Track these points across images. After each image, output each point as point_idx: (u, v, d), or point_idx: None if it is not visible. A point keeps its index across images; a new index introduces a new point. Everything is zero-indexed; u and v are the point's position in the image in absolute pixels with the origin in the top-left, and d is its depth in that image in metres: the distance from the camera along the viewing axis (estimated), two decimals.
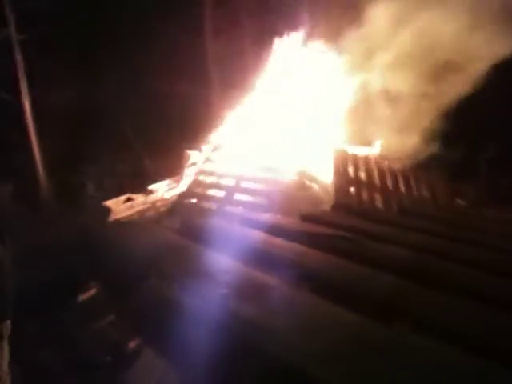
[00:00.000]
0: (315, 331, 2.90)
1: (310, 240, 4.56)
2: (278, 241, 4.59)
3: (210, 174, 6.23)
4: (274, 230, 4.89)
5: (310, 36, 7.67)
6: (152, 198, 6.19)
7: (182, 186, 6.23)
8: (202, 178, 6.14)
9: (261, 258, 4.14)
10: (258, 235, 4.75)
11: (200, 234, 4.76)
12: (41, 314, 5.03)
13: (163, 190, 6.33)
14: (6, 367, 3.11)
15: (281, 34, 7.77)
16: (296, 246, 4.45)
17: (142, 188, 6.63)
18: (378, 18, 6.96)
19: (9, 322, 3.40)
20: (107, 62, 10.40)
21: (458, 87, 6.50)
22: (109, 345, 4.37)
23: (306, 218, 5.41)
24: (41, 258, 4.79)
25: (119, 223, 5.29)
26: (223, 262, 3.98)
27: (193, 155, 6.52)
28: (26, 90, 8.29)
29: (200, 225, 5.16)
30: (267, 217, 5.43)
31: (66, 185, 9.47)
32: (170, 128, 10.07)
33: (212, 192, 6.04)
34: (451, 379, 2.51)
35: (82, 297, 5.15)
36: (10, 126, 9.33)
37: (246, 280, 3.69)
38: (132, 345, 4.27)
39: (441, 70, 6.68)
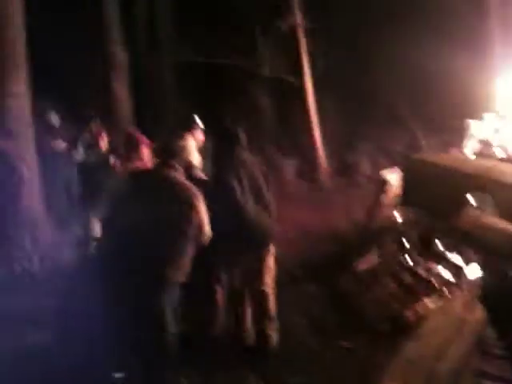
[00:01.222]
0: None
1: None
2: None
3: (498, 146, 5.67)
4: None
5: None
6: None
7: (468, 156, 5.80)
8: (486, 150, 5.66)
9: None
10: None
11: None
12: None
13: None
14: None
15: None
16: None
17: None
18: None
19: None
20: (377, 40, 10.45)
21: None
22: (388, 313, 4.49)
23: None
24: None
25: None
26: None
27: (473, 126, 6.05)
28: (309, 74, 8.93)
29: None
30: None
31: (342, 162, 9.93)
32: (442, 104, 9.64)
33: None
34: None
35: (363, 264, 5.38)
36: (296, 108, 10.22)
37: None
38: (411, 315, 4.30)
39: None
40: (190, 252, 3.37)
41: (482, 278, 2.80)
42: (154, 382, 3.41)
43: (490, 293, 2.29)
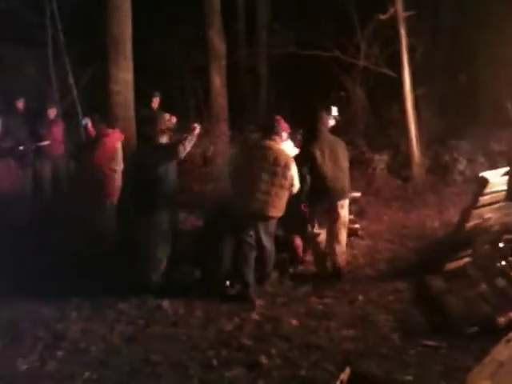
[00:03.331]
0: None
1: None
2: None
3: None
4: None
5: None
6: None
7: None
8: None
9: None
10: None
11: None
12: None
13: None
14: None
15: None
16: None
17: None
18: None
19: None
20: (486, 32, 9.93)
21: None
22: (477, 315, 4.33)
23: None
24: None
25: None
26: None
27: None
28: (407, 65, 8.68)
29: None
30: None
31: (437, 160, 9.58)
32: None
33: None
34: None
35: (453, 265, 5.22)
36: (391, 101, 9.98)
37: None
38: (502, 319, 4.11)
39: None
40: (285, 198, 4.97)
41: None
42: None
43: None
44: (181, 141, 5.16)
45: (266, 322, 4.54)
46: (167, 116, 6.88)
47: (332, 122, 6.08)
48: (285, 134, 5.31)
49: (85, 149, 6.31)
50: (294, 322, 4.51)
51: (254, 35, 12.94)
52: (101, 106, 7.36)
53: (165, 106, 7.50)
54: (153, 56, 10.87)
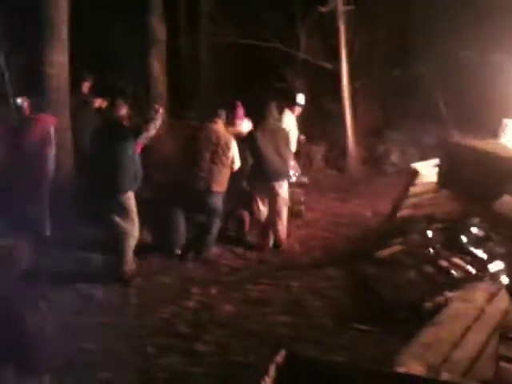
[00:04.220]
0: None
1: None
2: None
3: None
4: None
5: None
6: None
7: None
8: None
9: None
10: None
11: None
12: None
13: None
14: None
15: None
16: None
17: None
18: None
19: None
20: (420, 28, 10.26)
21: None
22: (407, 301, 4.52)
23: None
24: None
25: None
26: None
27: (510, 124, 5.96)
28: (345, 59, 8.88)
29: None
30: None
31: (371, 151, 9.88)
32: (482, 99, 9.43)
33: None
34: None
35: (385, 252, 5.41)
36: (329, 94, 10.18)
37: None
38: (430, 304, 4.31)
39: None
40: (227, 175, 5.52)
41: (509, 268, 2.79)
42: None
43: None
44: (145, 124, 5.15)
45: (202, 309, 4.55)
46: (99, 100, 6.80)
47: (299, 110, 7.04)
48: (240, 121, 6.03)
49: (16, 133, 6.04)
50: (230, 308, 4.55)
51: (196, 23, 12.80)
52: (34, 90, 7.05)
53: (103, 92, 7.29)
54: (93, 40, 10.52)
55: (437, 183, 4.78)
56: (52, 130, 5.86)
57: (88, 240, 5.73)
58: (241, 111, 6.42)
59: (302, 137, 7.71)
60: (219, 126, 5.59)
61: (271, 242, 6.03)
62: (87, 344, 3.90)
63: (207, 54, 12.81)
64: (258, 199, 5.94)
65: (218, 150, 5.42)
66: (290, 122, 7.22)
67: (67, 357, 3.70)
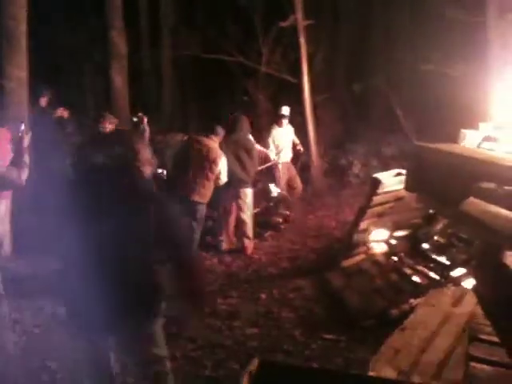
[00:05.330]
0: None
1: None
2: None
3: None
4: None
5: None
6: None
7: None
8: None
9: None
10: None
11: None
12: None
13: None
14: None
15: None
16: None
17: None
18: None
19: None
20: (379, 42, 10.54)
21: None
22: (373, 309, 4.57)
23: None
24: None
25: None
26: None
27: (469, 135, 6.13)
28: (306, 72, 9.01)
29: None
30: None
31: (334, 163, 10.03)
32: (441, 110, 9.73)
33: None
34: None
35: (350, 262, 5.48)
36: (291, 105, 10.27)
37: None
38: (396, 312, 4.37)
39: None
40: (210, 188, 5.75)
41: (476, 269, 2.84)
42: None
43: (483, 283, 2.36)
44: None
45: (170, 324, 4.47)
46: (60, 110, 6.74)
47: (285, 121, 7.71)
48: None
49: None
50: (199, 322, 4.50)
51: (159, 36, 12.79)
52: None
53: (64, 105, 7.18)
54: (55, 53, 10.37)
55: (404, 187, 4.84)
56: (8, 145, 5.69)
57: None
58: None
59: (299, 147, 8.30)
60: (213, 142, 5.81)
61: (238, 246, 6.39)
62: (50, 362, 3.80)
63: (170, 67, 12.81)
64: (227, 204, 6.33)
65: (206, 165, 5.67)
66: (277, 135, 7.91)
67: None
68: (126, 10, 9.88)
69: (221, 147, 5.93)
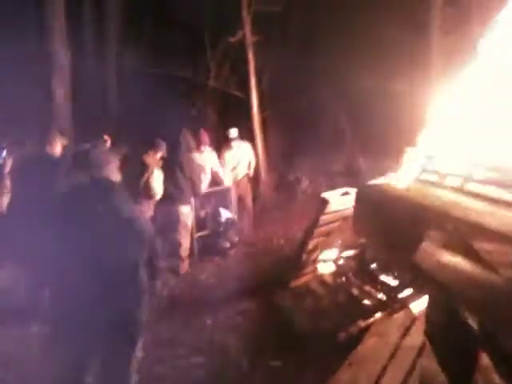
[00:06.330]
0: None
1: None
2: None
3: (432, 172, 5.82)
4: None
5: None
6: None
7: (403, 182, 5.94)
8: (422, 176, 5.78)
9: None
10: None
11: None
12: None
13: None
14: None
15: None
16: None
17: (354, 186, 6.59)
18: None
19: None
20: (325, 60, 10.62)
21: None
22: (321, 331, 4.49)
23: None
24: None
25: None
26: None
27: (411, 152, 6.19)
28: (254, 87, 8.97)
29: None
30: None
31: (282, 178, 10.00)
32: (386, 127, 9.86)
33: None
34: None
35: (298, 282, 5.39)
36: (239, 122, 10.21)
37: None
38: (343, 334, 4.31)
39: None
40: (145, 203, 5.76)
41: (429, 313, 2.78)
42: None
43: (435, 327, 2.30)
44: None
45: None
46: None
47: (235, 143, 7.58)
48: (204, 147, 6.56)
49: None
50: (140, 353, 4.28)
51: (104, 48, 12.46)
52: None
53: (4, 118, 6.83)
54: None
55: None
56: None
57: None
58: (205, 138, 7.00)
59: (250, 168, 8.00)
60: (149, 157, 5.84)
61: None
62: None
63: (116, 80, 12.49)
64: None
65: (141, 181, 5.68)
66: (228, 157, 7.72)
67: None
68: (70, 20, 9.54)
69: (157, 163, 5.87)
